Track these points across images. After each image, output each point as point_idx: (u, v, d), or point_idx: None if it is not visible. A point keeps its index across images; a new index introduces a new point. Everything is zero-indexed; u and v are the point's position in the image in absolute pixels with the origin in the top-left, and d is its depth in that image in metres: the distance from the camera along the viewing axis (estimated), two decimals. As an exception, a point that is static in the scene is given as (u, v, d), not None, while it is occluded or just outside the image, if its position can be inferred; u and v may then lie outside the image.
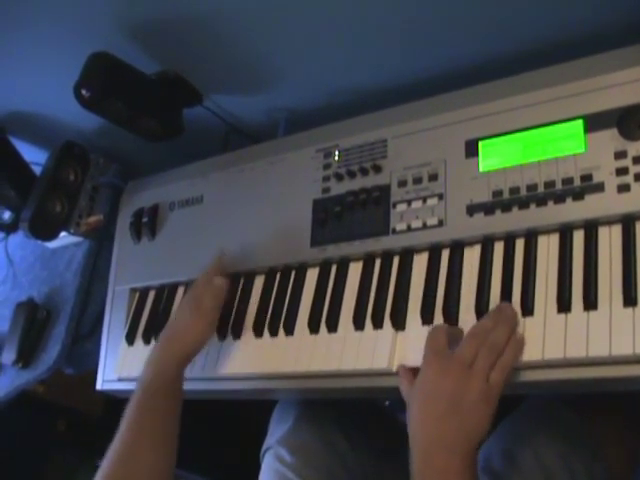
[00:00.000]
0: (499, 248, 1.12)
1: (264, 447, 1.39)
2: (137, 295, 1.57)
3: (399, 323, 1.14)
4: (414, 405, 1.00)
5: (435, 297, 1.13)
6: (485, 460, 1.17)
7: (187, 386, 1.28)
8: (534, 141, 1.12)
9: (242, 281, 1.40)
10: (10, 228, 2.00)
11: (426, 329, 1.08)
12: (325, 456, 1.31)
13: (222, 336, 1.34)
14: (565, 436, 1.13)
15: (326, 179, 1.33)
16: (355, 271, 1.26)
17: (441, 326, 1.07)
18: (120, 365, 1.49)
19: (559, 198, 1.07)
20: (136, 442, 1.13)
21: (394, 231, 1.22)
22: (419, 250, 1.20)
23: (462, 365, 0.98)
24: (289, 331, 1.26)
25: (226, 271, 1.36)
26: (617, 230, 1.02)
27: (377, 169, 1.27)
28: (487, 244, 1.13)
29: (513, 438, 1.16)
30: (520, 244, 1.10)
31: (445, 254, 1.17)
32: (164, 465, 1.14)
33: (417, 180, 1.22)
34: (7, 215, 2.00)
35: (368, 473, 1.33)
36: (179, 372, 1.23)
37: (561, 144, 1.10)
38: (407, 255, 1.21)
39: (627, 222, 1.01)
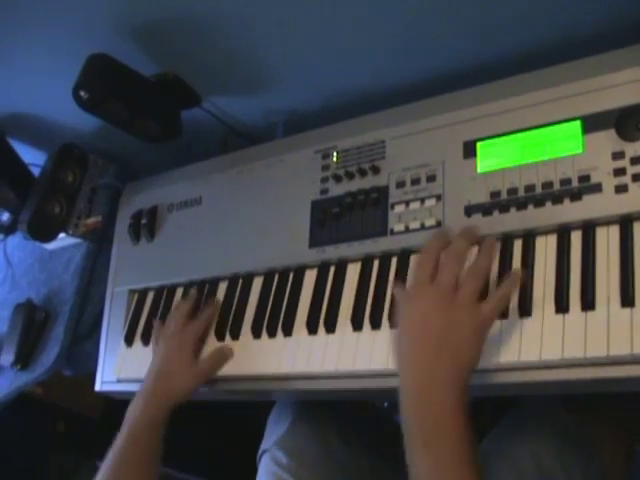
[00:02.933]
0: (497, 249, 1.12)
1: (261, 449, 1.38)
2: (136, 296, 1.57)
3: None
4: (402, 339, 0.99)
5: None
6: (482, 459, 1.17)
7: (185, 387, 1.29)
8: (532, 142, 1.12)
9: (240, 282, 1.40)
10: (9, 229, 2.00)
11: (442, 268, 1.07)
12: (322, 458, 1.31)
13: (220, 337, 1.34)
14: (562, 436, 1.12)
15: (324, 180, 1.33)
16: (353, 272, 1.26)
17: (425, 253, 1.04)
18: (119, 366, 1.49)
19: (557, 199, 1.07)
20: (122, 470, 1.21)
21: (392, 232, 1.22)
22: (417, 251, 1.19)
23: (446, 294, 0.97)
24: (287, 332, 1.26)
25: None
26: (615, 231, 1.02)
27: (375, 170, 1.27)
28: (485, 245, 1.13)
29: (511, 438, 1.16)
30: (518, 245, 1.10)
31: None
32: None
33: (415, 181, 1.22)
34: (6, 216, 2.00)
35: (365, 475, 1.33)
36: (166, 415, 1.27)
37: (559, 145, 1.10)
38: (405, 256, 1.21)
39: (625, 222, 1.02)
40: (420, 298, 1.00)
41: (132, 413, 1.26)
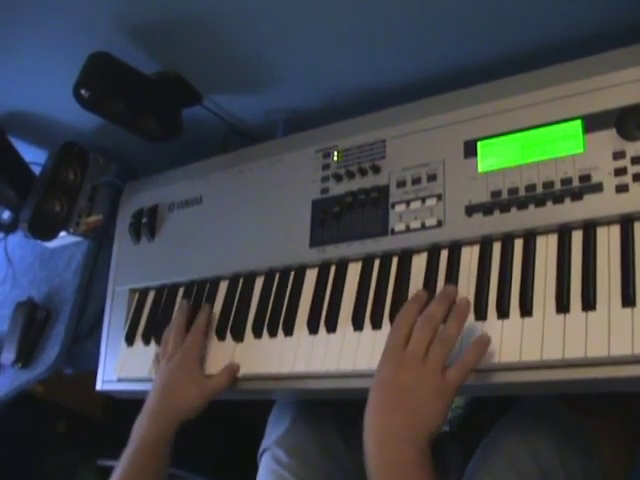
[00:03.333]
0: (498, 248, 1.12)
1: (261, 448, 1.39)
2: (137, 295, 1.57)
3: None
4: (369, 399, 1.01)
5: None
6: (482, 458, 1.17)
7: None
8: (533, 141, 1.12)
9: (241, 282, 1.40)
10: (9, 228, 2.00)
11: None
12: (322, 457, 1.31)
13: (221, 337, 1.34)
14: (562, 435, 1.12)
15: (325, 179, 1.33)
16: (354, 272, 1.26)
17: (402, 320, 1.06)
18: (120, 366, 1.49)
19: (558, 198, 1.07)
20: None
21: (393, 232, 1.22)
22: (418, 251, 1.20)
23: (414, 358, 0.99)
24: (288, 332, 1.26)
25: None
26: (616, 230, 1.03)
27: (376, 169, 1.27)
28: (486, 244, 1.13)
29: (511, 436, 1.16)
30: (519, 244, 1.10)
31: (444, 254, 1.17)
32: None
33: (416, 180, 1.22)
34: (6, 215, 2.00)
35: (365, 474, 1.33)
36: (172, 434, 1.26)
37: (560, 144, 1.10)
38: (406, 256, 1.21)
39: (626, 222, 1.02)
40: (390, 363, 1.02)
41: (137, 433, 1.24)
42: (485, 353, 1.01)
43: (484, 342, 1.01)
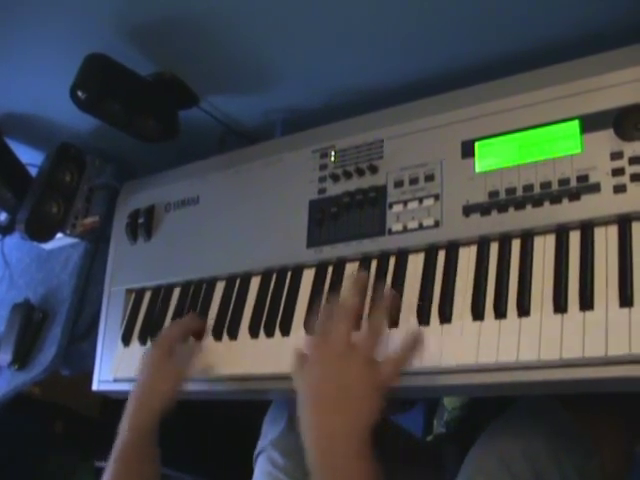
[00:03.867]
0: (495, 249, 1.12)
1: (257, 450, 1.38)
2: (133, 296, 1.57)
3: (395, 323, 1.14)
4: (302, 400, 1.02)
5: (431, 297, 1.13)
6: (478, 459, 1.17)
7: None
8: (530, 142, 1.12)
9: (238, 282, 1.39)
10: (6, 229, 2.00)
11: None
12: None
13: (218, 337, 1.34)
14: (557, 435, 1.12)
15: (322, 180, 1.33)
16: (351, 272, 1.25)
17: (322, 314, 1.09)
18: (116, 366, 1.49)
19: (555, 199, 1.07)
20: None
21: (390, 232, 1.22)
22: (415, 251, 1.20)
23: (338, 348, 1.01)
24: (285, 332, 1.26)
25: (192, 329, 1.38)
26: (613, 231, 1.03)
27: (373, 170, 1.27)
28: (483, 245, 1.13)
29: (506, 437, 1.16)
30: (516, 245, 1.10)
31: (441, 255, 1.17)
32: None
33: (413, 181, 1.22)
34: (3, 216, 2.00)
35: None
36: (152, 425, 1.26)
37: (557, 145, 1.10)
38: (403, 256, 1.21)
39: (623, 222, 1.02)
40: (315, 361, 1.03)
41: (120, 432, 1.26)
42: (417, 350, 1.03)
43: (416, 337, 1.03)
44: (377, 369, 0.99)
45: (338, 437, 0.96)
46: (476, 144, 1.17)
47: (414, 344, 1.03)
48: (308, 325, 1.21)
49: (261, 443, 1.39)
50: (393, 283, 1.19)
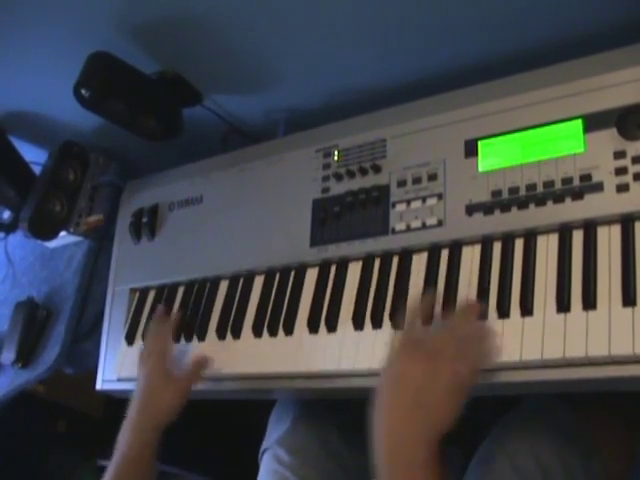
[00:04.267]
0: (498, 248, 1.12)
1: (262, 447, 1.39)
2: (137, 295, 1.57)
3: (398, 323, 1.14)
4: (380, 395, 0.99)
5: (435, 297, 1.13)
6: (484, 459, 1.17)
7: (186, 386, 1.29)
8: (533, 141, 1.12)
9: (242, 281, 1.40)
10: (10, 228, 2.00)
11: (426, 329, 1.08)
12: (323, 456, 1.31)
13: (222, 336, 1.34)
14: (563, 435, 1.12)
15: (325, 179, 1.33)
16: (354, 271, 1.26)
17: (416, 319, 1.07)
18: (120, 365, 1.49)
19: (558, 198, 1.07)
20: None
21: (393, 231, 1.22)
22: (418, 250, 1.20)
23: (430, 355, 0.98)
24: (288, 331, 1.26)
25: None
26: (616, 230, 1.03)
27: (376, 169, 1.27)
28: (486, 244, 1.13)
29: (511, 436, 1.16)
30: (519, 244, 1.10)
31: (444, 254, 1.17)
32: None
33: (416, 180, 1.22)
34: (7, 215, 2.00)
35: (366, 474, 1.33)
36: (154, 439, 1.26)
37: (560, 144, 1.10)
38: (406, 255, 1.21)
39: (626, 222, 1.02)
40: (404, 358, 1.01)
41: (121, 442, 1.26)
42: (497, 355, 1.01)
43: (491, 332, 1.01)
44: (456, 374, 0.96)
45: (408, 442, 0.94)
46: (479, 143, 1.17)
47: (492, 342, 1.01)
48: (394, 321, 1.17)
49: (266, 441, 1.39)
50: (396, 283, 1.19)
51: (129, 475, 1.23)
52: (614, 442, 1.16)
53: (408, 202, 1.22)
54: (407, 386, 0.97)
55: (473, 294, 1.10)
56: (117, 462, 1.23)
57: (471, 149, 1.18)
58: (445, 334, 1.01)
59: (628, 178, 1.02)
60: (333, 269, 1.28)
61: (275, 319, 1.29)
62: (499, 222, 1.12)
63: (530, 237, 1.09)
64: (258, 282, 1.37)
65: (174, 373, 1.30)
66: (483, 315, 1.06)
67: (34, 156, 1.78)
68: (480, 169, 1.16)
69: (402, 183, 1.24)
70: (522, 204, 1.10)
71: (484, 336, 1.01)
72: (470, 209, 1.15)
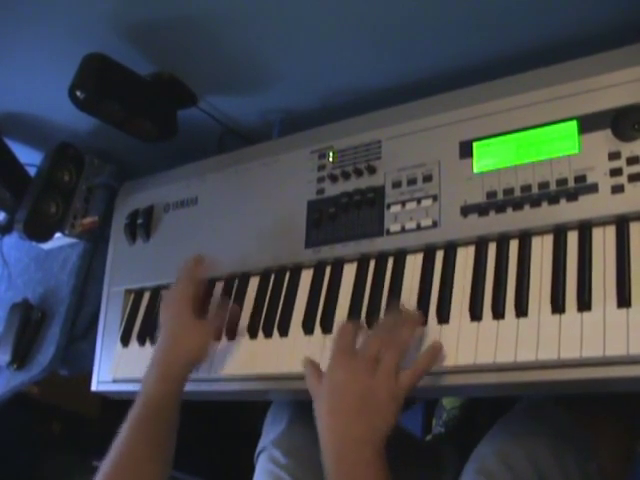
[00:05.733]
0: (493, 249, 1.12)
1: (258, 448, 1.38)
2: (132, 296, 1.57)
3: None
4: (322, 402, 1.05)
5: (429, 298, 1.14)
6: (480, 460, 1.17)
7: (182, 387, 1.29)
8: (528, 142, 1.12)
9: (236, 282, 1.39)
10: (5, 229, 2.00)
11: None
12: (319, 458, 1.31)
13: (217, 337, 1.34)
14: (559, 436, 1.13)
15: (320, 180, 1.33)
16: (349, 272, 1.26)
17: (348, 324, 1.12)
18: (115, 366, 1.48)
19: (553, 199, 1.07)
20: (138, 450, 1.15)
21: (388, 232, 1.22)
22: (413, 251, 1.20)
23: (368, 361, 1.03)
24: (283, 332, 1.26)
25: (204, 274, 1.37)
26: (611, 231, 1.03)
27: (371, 170, 1.27)
28: (481, 245, 1.13)
29: (507, 438, 1.16)
30: (514, 245, 1.10)
31: (439, 255, 1.17)
32: (161, 475, 1.16)
33: (411, 181, 1.22)
34: (2, 216, 2.00)
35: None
36: (182, 381, 1.24)
37: (555, 145, 1.10)
38: (401, 256, 1.21)
39: (621, 223, 1.02)
40: (344, 367, 1.05)
41: (147, 385, 1.22)
42: (437, 360, 1.05)
43: (436, 349, 1.06)
44: (396, 382, 1.01)
45: (353, 443, 0.99)
46: (474, 144, 1.17)
47: (434, 354, 1.05)
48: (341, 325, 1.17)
49: (262, 442, 1.39)
50: (391, 284, 1.19)
51: (154, 419, 1.18)
52: (611, 443, 1.16)
53: (403, 203, 1.22)
54: (350, 394, 1.02)
55: (467, 295, 1.09)
56: (139, 410, 1.18)
57: (466, 150, 1.18)
58: (378, 340, 1.06)
59: (623, 179, 1.02)
60: (328, 270, 1.28)
61: (270, 320, 1.29)
62: (494, 223, 1.12)
63: (525, 238, 1.09)
64: (253, 283, 1.37)
65: (196, 316, 1.30)
66: (477, 316, 1.07)
67: (29, 158, 1.78)
68: (475, 170, 1.16)
69: (397, 184, 1.24)
70: (517, 205, 1.10)
71: (430, 347, 1.06)
72: (465, 210, 1.15)
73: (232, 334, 1.33)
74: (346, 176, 1.30)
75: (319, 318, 1.23)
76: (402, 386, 1.01)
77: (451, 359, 1.06)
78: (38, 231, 1.62)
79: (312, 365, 1.11)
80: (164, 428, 1.19)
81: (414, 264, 1.19)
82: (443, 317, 1.10)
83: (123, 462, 1.13)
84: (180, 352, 1.26)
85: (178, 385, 1.23)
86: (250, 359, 1.28)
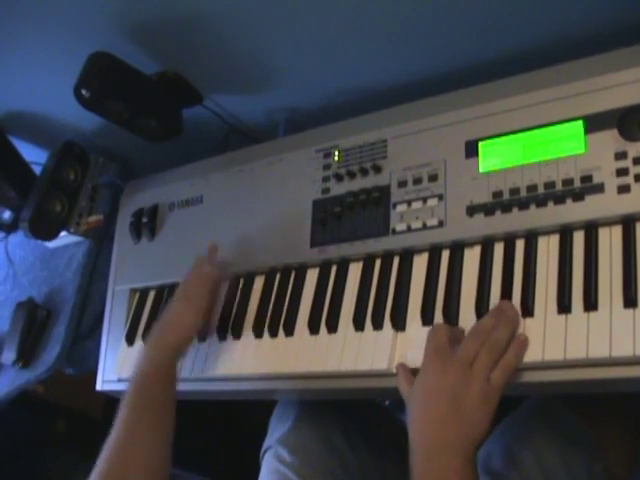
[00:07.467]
0: (499, 249, 1.12)
1: (264, 447, 1.38)
2: (137, 295, 1.57)
3: (399, 324, 1.14)
4: (415, 406, 1.00)
5: (435, 298, 1.13)
6: (485, 460, 1.17)
7: (188, 387, 1.29)
8: (534, 142, 1.12)
9: (242, 281, 1.39)
10: (10, 228, 2.00)
11: (426, 330, 1.08)
12: (325, 456, 1.31)
13: (222, 337, 1.34)
14: (565, 436, 1.12)
15: (326, 179, 1.33)
16: (355, 272, 1.25)
17: (442, 325, 1.08)
18: (120, 365, 1.48)
19: (559, 199, 1.07)
20: (135, 428, 1.14)
21: (394, 232, 1.22)
22: (419, 251, 1.20)
23: (463, 364, 0.98)
24: (289, 332, 1.26)
25: (216, 262, 1.36)
26: (617, 231, 1.02)
27: (377, 169, 1.27)
28: (487, 245, 1.13)
29: (513, 438, 1.16)
30: (520, 245, 1.10)
31: (445, 255, 1.17)
32: (162, 450, 1.14)
33: (417, 180, 1.22)
34: (7, 215, 2.00)
35: (368, 473, 1.33)
36: (174, 360, 1.23)
37: (561, 145, 1.09)
38: (407, 256, 1.21)
39: (627, 223, 1.01)
40: (435, 370, 1.01)
41: (140, 363, 1.21)
42: (524, 353, 1.00)
43: (523, 341, 1.00)
44: (490, 383, 0.97)
45: (448, 452, 0.95)
46: (480, 144, 1.17)
47: (522, 347, 1.00)
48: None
49: (268, 441, 1.39)
50: (397, 283, 1.19)
51: (149, 395, 1.17)
52: (617, 444, 1.16)
53: (409, 203, 1.21)
54: (441, 395, 0.98)
55: (473, 295, 1.09)
56: (135, 384, 1.18)
57: (472, 150, 1.18)
58: (476, 341, 1.01)
59: (629, 179, 1.02)
60: (334, 270, 1.28)
61: (275, 320, 1.29)
62: (500, 223, 1.11)
63: (531, 238, 1.09)
64: (258, 283, 1.37)
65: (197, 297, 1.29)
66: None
67: (34, 156, 1.78)
68: (481, 170, 1.16)
69: (403, 184, 1.24)
70: (523, 205, 1.10)
71: (517, 342, 1.01)
72: (471, 210, 1.15)
73: (238, 333, 1.33)
74: (352, 175, 1.30)
75: (325, 318, 1.23)
76: (495, 387, 0.97)
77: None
78: (43, 229, 1.62)
79: (403, 369, 1.08)
80: (160, 402, 1.18)
81: (420, 264, 1.19)
82: (449, 317, 1.10)
83: (123, 438, 1.13)
84: (174, 329, 1.25)
85: (170, 361, 1.22)
86: (256, 358, 1.28)
